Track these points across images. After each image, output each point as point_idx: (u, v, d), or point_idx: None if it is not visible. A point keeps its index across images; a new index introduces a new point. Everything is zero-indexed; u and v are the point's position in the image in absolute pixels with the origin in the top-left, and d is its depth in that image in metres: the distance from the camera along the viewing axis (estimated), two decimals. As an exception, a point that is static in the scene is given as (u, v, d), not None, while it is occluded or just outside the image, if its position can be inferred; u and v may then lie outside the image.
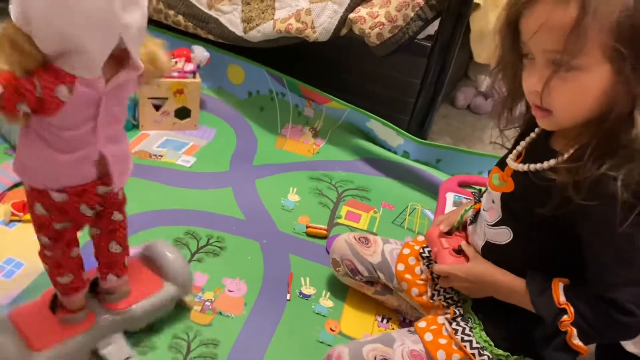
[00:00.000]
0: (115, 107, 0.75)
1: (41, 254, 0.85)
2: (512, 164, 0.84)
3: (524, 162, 0.82)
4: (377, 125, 1.59)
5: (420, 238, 1.07)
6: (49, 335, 0.86)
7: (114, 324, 0.92)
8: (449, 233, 0.97)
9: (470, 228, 0.95)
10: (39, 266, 0.88)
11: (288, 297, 1.12)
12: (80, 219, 0.83)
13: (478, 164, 1.50)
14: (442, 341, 0.89)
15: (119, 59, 0.70)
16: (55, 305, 0.90)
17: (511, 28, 0.72)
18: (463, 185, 1.44)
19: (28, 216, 1.08)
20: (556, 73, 0.67)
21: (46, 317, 0.89)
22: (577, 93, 0.68)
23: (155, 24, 1.78)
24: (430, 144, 1.54)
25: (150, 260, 1.01)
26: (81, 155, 0.75)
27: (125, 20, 0.65)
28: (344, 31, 1.45)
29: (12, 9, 0.63)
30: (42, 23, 0.62)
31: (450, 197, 1.40)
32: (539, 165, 0.78)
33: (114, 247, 0.90)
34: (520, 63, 0.74)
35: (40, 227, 0.81)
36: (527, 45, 0.70)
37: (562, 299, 0.77)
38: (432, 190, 1.49)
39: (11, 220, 1.14)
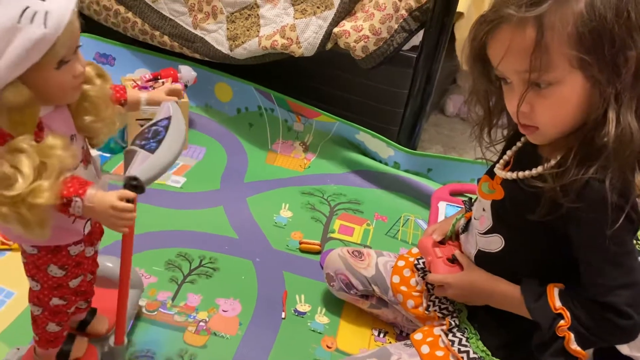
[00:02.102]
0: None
1: (40, 319, 0.80)
2: (500, 172, 0.84)
3: (512, 169, 0.83)
4: (366, 137, 1.59)
5: (415, 250, 1.07)
6: None
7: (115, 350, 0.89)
8: (442, 242, 0.97)
9: (462, 237, 0.95)
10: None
11: (283, 316, 1.11)
12: (89, 266, 0.80)
13: (469, 171, 1.51)
14: (439, 353, 0.89)
15: None
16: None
17: (479, 58, 0.75)
18: (455, 194, 1.44)
19: (17, 245, 1.07)
20: (529, 90, 0.69)
21: None
22: (558, 106, 0.70)
23: (141, 45, 1.78)
24: (421, 154, 1.55)
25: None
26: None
27: None
28: (329, 45, 1.46)
29: None
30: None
31: (442, 206, 1.40)
32: (527, 173, 0.79)
33: (90, 277, 0.87)
34: (493, 87, 0.77)
35: (54, 290, 0.77)
36: (499, 70, 0.72)
37: (558, 304, 0.77)
38: (424, 200, 1.49)
39: (0, 250, 1.13)
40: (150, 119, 1.59)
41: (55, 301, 0.78)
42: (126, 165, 0.69)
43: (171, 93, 0.81)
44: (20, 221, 0.59)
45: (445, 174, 1.53)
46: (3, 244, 1.13)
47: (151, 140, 0.70)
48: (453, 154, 1.79)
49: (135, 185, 0.65)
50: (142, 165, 0.67)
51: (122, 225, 0.65)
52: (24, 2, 0.57)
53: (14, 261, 1.09)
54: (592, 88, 0.67)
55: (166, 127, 0.72)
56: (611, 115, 0.66)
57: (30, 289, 0.80)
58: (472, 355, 0.87)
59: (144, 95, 0.80)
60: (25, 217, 0.59)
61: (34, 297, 0.80)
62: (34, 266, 0.75)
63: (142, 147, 0.69)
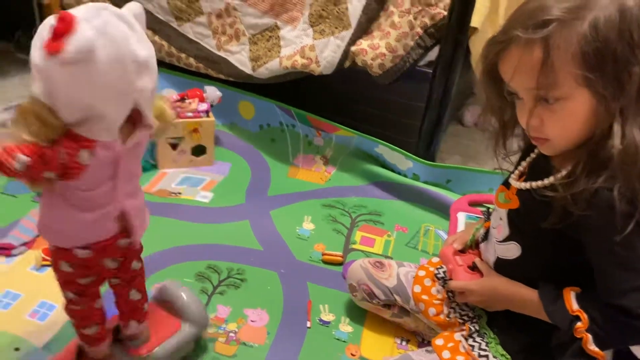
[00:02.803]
0: (132, 164, 0.80)
1: (67, 309, 0.88)
2: (515, 182, 0.88)
3: (526, 180, 0.86)
4: (385, 150, 1.63)
5: (435, 260, 1.10)
6: None
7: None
8: (462, 251, 1.01)
9: (482, 246, 0.99)
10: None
11: (308, 325, 1.15)
12: (103, 273, 0.86)
13: (488, 181, 1.54)
14: (460, 358, 0.92)
15: (133, 119, 0.75)
16: (80, 356, 0.93)
17: (491, 75, 0.79)
18: (473, 204, 1.47)
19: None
20: (538, 106, 0.73)
21: None
22: (566, 120, 0.74)
23: (168, 66, 1.86)
24: (439, 165, 1.58)
25: (164, 302, 1.03)
26: (103, 213, 0.78)
27: (140, 86, 0.70)
28: (347, 63, 1.52)
29: (35, 85, 0.67)
30: (65, 97, 0.67)
31: (461, 216, 1.43)
32: (540, 183, 0.83)
33: (134, 295, 0.93)
34: (506, 102, 0.81)
35: (66, 284, 0.84)
36: (510, 86, 0.77)
37: (575, 306, 0.80)
38: (444, 210, 1.52)
39: (42, 265, 1.20)
40: (178, 138, 1.66)
41: (69, 295, 0.85)
42: None
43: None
44: None
45: (464, 184, 1.57)
46: (44, 259, 1.20)
47: None
48: (472, 164, 1.82)
49: None
50: None
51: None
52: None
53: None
54: (598, 103, 0.71)
55: None
56: (616, 128, 0.70)
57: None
58: (491, 359, 0.90)
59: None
60: None
61: (65, 309, 0.88)
62: (53, 262, 0.84)
63: None
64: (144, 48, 0.70)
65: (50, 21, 0.65)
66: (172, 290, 1.04)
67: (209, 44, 1.73)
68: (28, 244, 1.26)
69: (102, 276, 0.87)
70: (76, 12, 0.65)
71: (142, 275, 0.94)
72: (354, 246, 1.40)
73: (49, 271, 1.18)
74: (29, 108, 0.67)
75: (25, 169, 0.67)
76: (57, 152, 0.69)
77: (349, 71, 1.54)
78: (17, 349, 1.02)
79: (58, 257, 0.82)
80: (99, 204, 0.78)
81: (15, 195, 1.42)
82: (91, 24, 0.64)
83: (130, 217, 0.82)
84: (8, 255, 1.22)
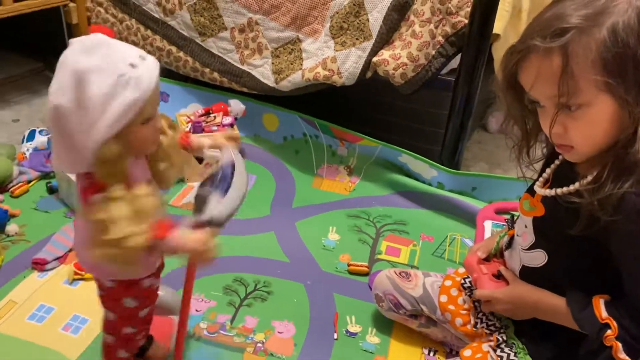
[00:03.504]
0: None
1: (120, 344, 0.88)
2: (540, 190, 0.88)
3: (551, 187, 0.86)
4: (409, 159, 1.63)
5: (461, 269, 1.10)
6: None
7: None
8: (487, 259, 1.00)
9: (506, 254, 0.99)
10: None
11: (335, 337, 1.15)
12: (155, 296, 0.87)
13: (514, 188, 1.51)
14: (489, 370, 0.91)
15: None
16: None
17: (511, 84, 0.79)
18: (500, 212, 1.45)
19: (90, 275, 1.16)
20: (560, 114, 0.73)
21: None
22: (589, 126, 0.73)
23: (193, 81, 1.90)
24: (464, 173, 1.57)
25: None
26: None
27: None
28: (369, 74, 1.52)
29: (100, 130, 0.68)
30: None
31: (488, 224, 1.42)
32: (565, 189, 0.82)
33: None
34: (527, 110, 0.81)
35: (127, 319, 0.84)
36: (531, 95, 0.76)
37: (605, 314, 0.79)
38: (470, 218, 1.51)
39: (74, 279, 1.24)
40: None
41: (128, 330, 0.86)
42: (199, 207, 0.79)
43: (230, 138, 0.89)
44: (114, 261, 0.68)
45: (489, 192, 1.55)
46: (76, 274, 1.24)
47: (220, 184, 0.80)
48: (498, 171, 1.80)
49: (215, 223, 0.75)
50: (218, 206, 0.77)
51: (207, 258, 0.74)
52: (119, 71, 0.66)
53: (87, 290, 1.20)
54: (621, 108, 0.70)
55: (232, 173, 0.82)
56: None
57: (105, 319, 0.88)
58: (521, 370, 0.89)
59: (206, 141, 0.88)
60: (118, 257, 0.67)
61: (110, 327, 0.87)
62: (110, 298, 0.83)
63: (214, 190, 0.79)
64: None
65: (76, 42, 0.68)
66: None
67: (232, 58, 1.76)
68: (61, 259, 1.29)
69: (154, 301, 0.88)
70: None
71: None
72: (379, 256, 1.40)
73: (81, 285, 1.22)
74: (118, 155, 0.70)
75: None
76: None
77: (371, 81, 1.55)
78: (51, 362, 1.05)
79: (120, 293, 0.81)
80: None
81: (48, 211, 1.46)
82: None
83: None
84: (42, 270, 1.26)
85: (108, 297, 0.83)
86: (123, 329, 0.86)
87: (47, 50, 2.19)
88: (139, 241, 0.68)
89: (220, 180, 0.81)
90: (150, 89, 0.68)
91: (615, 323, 0.77)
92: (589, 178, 0.77)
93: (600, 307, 0.80)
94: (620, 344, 0.77)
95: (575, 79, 0.69)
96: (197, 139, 0.88)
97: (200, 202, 0.80)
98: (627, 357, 0.76)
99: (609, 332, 0.77)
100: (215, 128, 1.64)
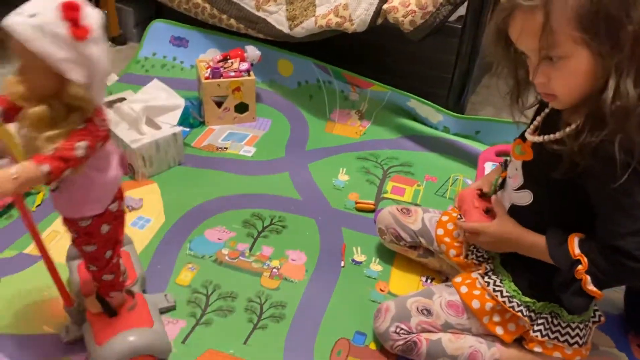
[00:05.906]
0: None
1: (108, 270, 0.95)
2: (529, 136, 0.96)
3: (540, 133, 0.94)
4: (417, 104, 1.70)
5: (458, 207, 1.19)
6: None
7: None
8: (485, 195, 1.09)
9: (499, 193, 1.08)
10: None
11: (342, 264, 1.29)
12: (121, 214, 0.95)
13: (515, 132, 1.57)
14: (476, 292, 1.03)
15: None
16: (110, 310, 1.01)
17: (502, 36, 0.86)
18: (500, 154, 1.54)
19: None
20: (543, 64, 0.80)
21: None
22: (569, 76, 0.81)
23: (211, 27, 1.96)
24: (468, 117, 1.65)
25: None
26: (114, 163, 0.87)
27: None
28: (379, 21, 1.58)
29: (74, 73, 0.74)
30: (102, 71, 0.77)
31: (488, 166, 1.51)
32: (551, 136, 0.90)
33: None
34: (517, 61, 0.88)
35: (107, 243, 0.92)
36: (518, 47, 0.84)
37: (577, 251, 0.88)
38: (472, 160, 1.60)
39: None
40: (222, 96, 1.77)
41: (108, 253, 0.95)
42: None
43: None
44: None
45: (493, 135, 1.63)
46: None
47: None
48: (503, 115, 1.86)
49: None
50: None
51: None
52: None
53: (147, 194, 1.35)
54: (596, 60, 0.77)
55: None
56: (611, 83, 0.77)
57: (85, 258, 0.95)
58: (505, 294, 1.00)
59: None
60: None
61: (92, 258, 0.94)
62: (89, 234, 0.90)
63: None
64: None
65: (52, 12, 0.70)
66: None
67: (249, 4, 1.82)
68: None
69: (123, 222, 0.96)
70: None
71: None
72: (385, 195, 1.50)
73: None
74: (81, 96, 0.76)
75: (86, 151, 0.76)
76: (96, 125, 0.79)
77: (381, 27, 1.60)
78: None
79: (98, 224, 0.89)
80: (111, 155, 0.86)
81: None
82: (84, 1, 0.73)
83: (126, 155, 0.90)
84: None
85: (87, 234, 0.89)
86: (104, 254, 0.94)
87: None
88: None
89: None
90: None
91: (586, 259, 0.86)
92: (572, 126, 0.85)
93: (574, 245, 0.89)
94: (589, 277, 0.86)
95: (555, 33, 0.76)
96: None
97: None
98: (594, 288, 0.86)
99: (579, 267, 0.87)
100: (232, 74, 1.72)
